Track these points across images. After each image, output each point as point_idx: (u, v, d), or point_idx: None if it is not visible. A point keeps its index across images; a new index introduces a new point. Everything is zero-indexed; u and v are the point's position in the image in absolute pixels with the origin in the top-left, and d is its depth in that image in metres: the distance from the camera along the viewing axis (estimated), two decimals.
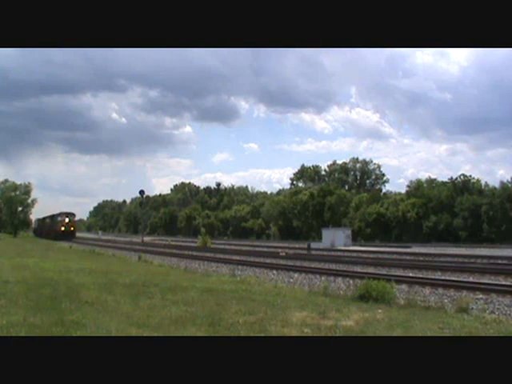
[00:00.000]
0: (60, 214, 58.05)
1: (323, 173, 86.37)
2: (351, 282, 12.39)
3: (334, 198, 66.44)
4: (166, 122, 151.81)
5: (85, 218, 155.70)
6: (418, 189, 62.00)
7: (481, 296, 9.86)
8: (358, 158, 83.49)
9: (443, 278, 12.99)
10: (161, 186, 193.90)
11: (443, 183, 61.52)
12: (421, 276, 13.49)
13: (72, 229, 56.58)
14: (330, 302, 8.40)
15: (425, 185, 63.48)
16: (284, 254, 24.96)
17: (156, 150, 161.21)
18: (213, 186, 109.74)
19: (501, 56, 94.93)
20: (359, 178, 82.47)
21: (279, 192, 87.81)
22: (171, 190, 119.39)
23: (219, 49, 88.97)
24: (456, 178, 60.92)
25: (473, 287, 10.74)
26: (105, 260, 21.21)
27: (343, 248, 33.45)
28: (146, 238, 54.94)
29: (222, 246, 37.10)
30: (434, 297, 10.05)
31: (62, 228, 54.79)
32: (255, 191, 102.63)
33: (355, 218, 61.30)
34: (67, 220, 56.50)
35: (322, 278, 13.62)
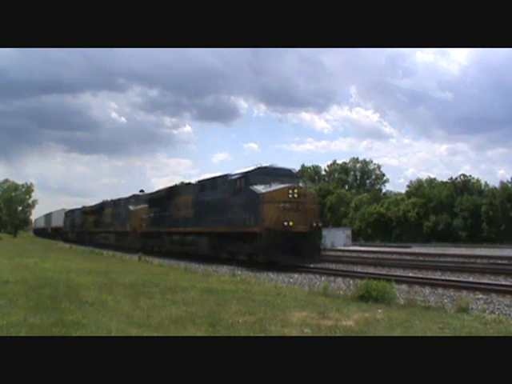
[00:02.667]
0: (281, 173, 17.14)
1: (323, 173, 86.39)
2: (351, 282, 12.38)
3: (333, 197, 66.44)
4: (165, 122, 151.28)
5: None
6: (418, 189, 62.04)
7: (481, 296, 9.84)
8: (357, 158, 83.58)
9: (443, 278, 12.98)
10: (161, 185, 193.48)
11: (443, 183, 61.56)
12: (421, 276, 13.48)
13: (314, 225, 16.00)
14: (330, 302, 8.39)
15: (425, 185, 63.51)
16: None
17: (155, 149, 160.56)
18: None
19: (501, 56, 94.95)
20: (359, 177, 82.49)
21: None
22: None
23: (219, 49, 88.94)
24: (456, 178, 61.01)
25: (473, 287, 10.73)
26: (105, 260, 21.20)
27: (343, 248, 33.44)
28: None
29: None
30: (434, 297, 10.04)
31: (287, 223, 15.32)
32: None
33: (355, 218, 61.30)
34: (296, 193, 15.76)
35: (322, 278, 13.62)
